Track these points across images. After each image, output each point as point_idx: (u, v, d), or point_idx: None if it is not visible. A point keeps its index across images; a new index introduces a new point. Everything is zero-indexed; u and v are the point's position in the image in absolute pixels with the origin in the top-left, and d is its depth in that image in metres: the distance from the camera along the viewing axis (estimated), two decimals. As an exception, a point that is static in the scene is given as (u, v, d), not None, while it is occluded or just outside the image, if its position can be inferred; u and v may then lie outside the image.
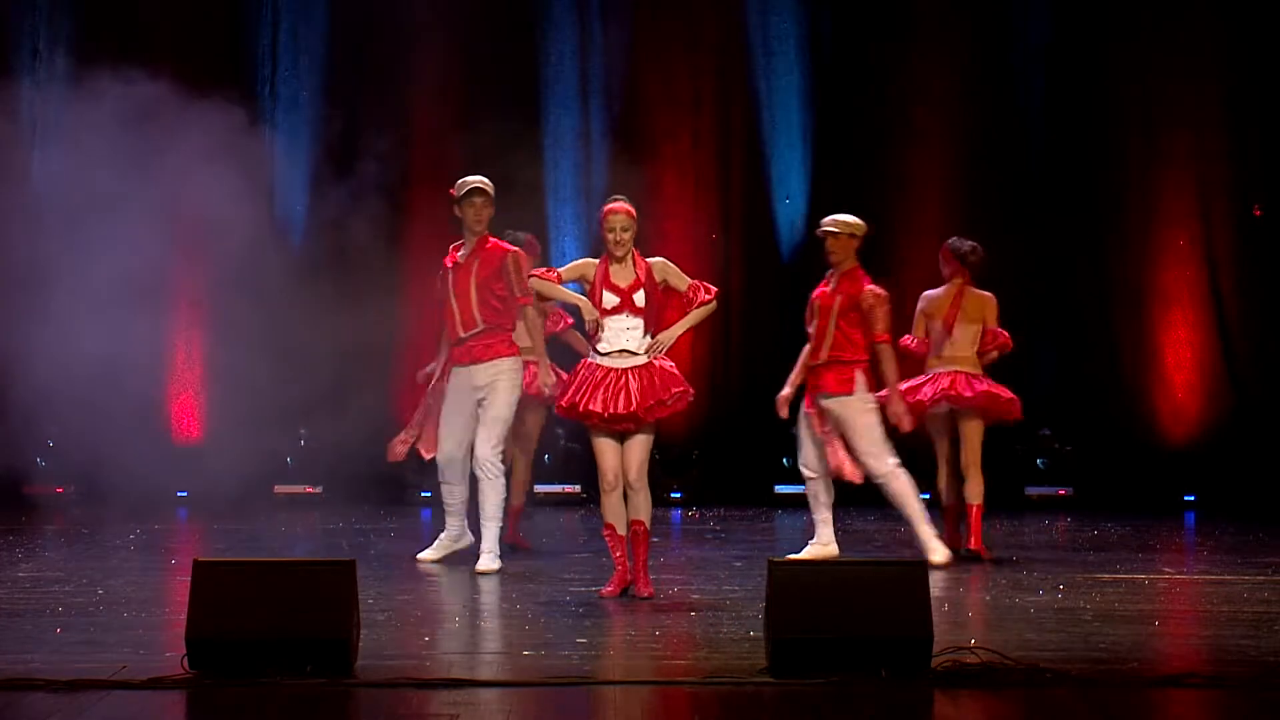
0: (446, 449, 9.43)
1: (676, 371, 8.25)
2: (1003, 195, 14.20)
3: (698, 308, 8.21)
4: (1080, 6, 14.39)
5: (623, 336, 8.15)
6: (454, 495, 9.57)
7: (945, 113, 14.30)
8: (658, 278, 8.21)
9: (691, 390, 8.24)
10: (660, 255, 8.39)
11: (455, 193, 9.35)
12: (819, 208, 14.33)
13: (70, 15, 13.76)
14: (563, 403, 8.22)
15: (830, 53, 14.46)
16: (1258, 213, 14.25)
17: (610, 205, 8.32)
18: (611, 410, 8.05)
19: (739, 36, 14.50)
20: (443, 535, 9.73)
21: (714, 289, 8.29)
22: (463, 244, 9.41)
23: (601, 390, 8.08)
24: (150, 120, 11.37)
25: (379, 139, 13.25)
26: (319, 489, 13.84)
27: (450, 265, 9.44)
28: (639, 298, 8.15)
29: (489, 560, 9.23)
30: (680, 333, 8.23)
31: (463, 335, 9.36)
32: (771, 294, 14.20)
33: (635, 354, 8.14)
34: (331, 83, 13.66)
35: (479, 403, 9.35)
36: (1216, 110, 14.25)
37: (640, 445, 8.19)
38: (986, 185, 14.18)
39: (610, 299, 8.15)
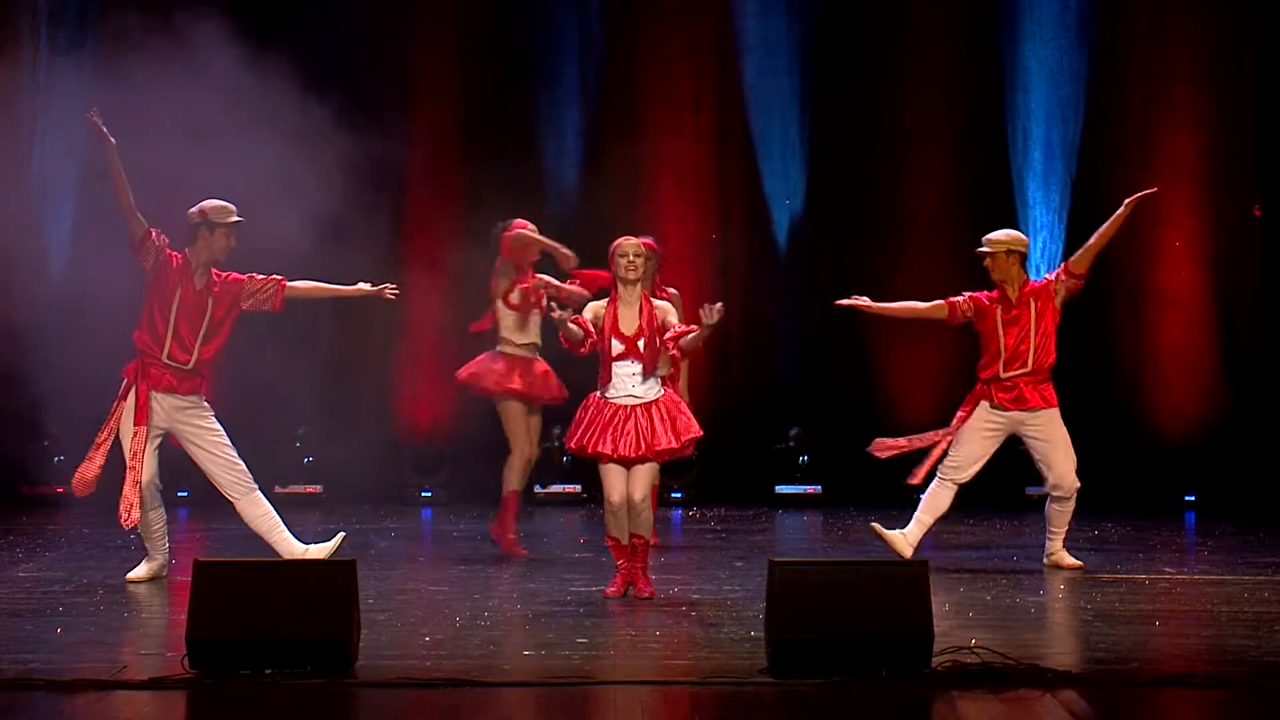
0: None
1: (686, 409, 8.44)
2: (1000, 196, 14.19)
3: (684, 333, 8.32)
4: (1079, 8, 14.37)
5: (628, 383, 8.31)
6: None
7: (942, 113, 14.28)
8: (659, 319, 8.36)
9: (700, 433, 8.41)
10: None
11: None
12: (818, 207, 14.34)
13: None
14: (571, 444, 8.37)
15: (827, 54, 14.45)
16: (1258, 213, 14.24)
17: (623, 238, 8.43)
18: (623, 454, 8.22)
19: (738, 37, 14.49)
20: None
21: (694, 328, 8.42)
22: None
23: (611, 429, 8.24)
24: (158, 115, 11.36)
25: (379, 138, 13.23)
26: (319, 489, 13.83)
27: None
28: (641, 345, 8.31)
29: None
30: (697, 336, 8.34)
31: None
32: (771, 293, 14.21)
33: (641, 397, 8.30)
34: (331, 77, 13.63)
35: None
36: (1216, 110, 14.23)
37: (647, 475, 8.35)
38: (983, 186, 14.16)
39: (616, 346, 8.32)
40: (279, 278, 8.98)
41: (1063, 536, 9.57)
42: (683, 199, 14.24)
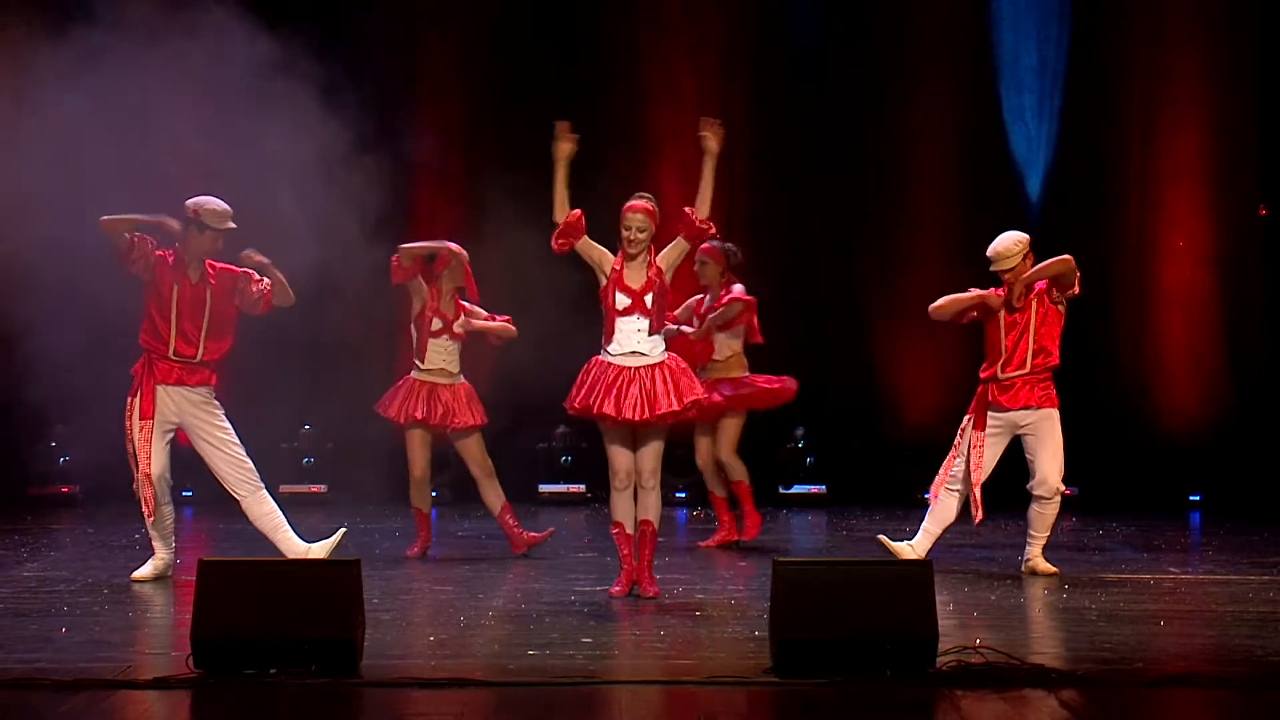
0: None
1: (690, 373, 8.33)
2: (1005, 196, 14.18)
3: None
4: (1085, 7, 14.37)
5: (633, 338, 8.21)
6: None
7: (943, 114, 14.28)
8: (664, 265, 8.30)
9: (703, 395, 8.32)
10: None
11: None
12: (823, 207, 14.33)
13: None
14: (575, 404, 8.21)
15: (831, 54, 14.45)
16: (1263, 212, 14.24)
17: (629, 203, 8.38)
18: (627, 416, 8.09)
19: (742, 37, 14.49)
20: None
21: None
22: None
23: (615, 391, 8.12)
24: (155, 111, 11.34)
25: (383, 135, 13.22)
26: (324, 488, 13.84)
27: None
28: (649, 299, 8.22)
29: None
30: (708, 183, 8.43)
31: None
32: (777, 293, 14.20)
33: (646, 355, 8.20)
34: (338, 76, 13.62)
35: None
36: (1218, 110, 14.22)
37: (654, 447, 8.27)
38: (989, 185, 14.15)
39: (622, 300, 8.22)
40: (268, 289, 8.98)
41: (1043, 542, 9.36)
42: (687, 200, 14.20)
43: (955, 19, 14.36)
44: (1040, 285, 9.40)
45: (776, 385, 10.71)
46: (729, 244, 10.72)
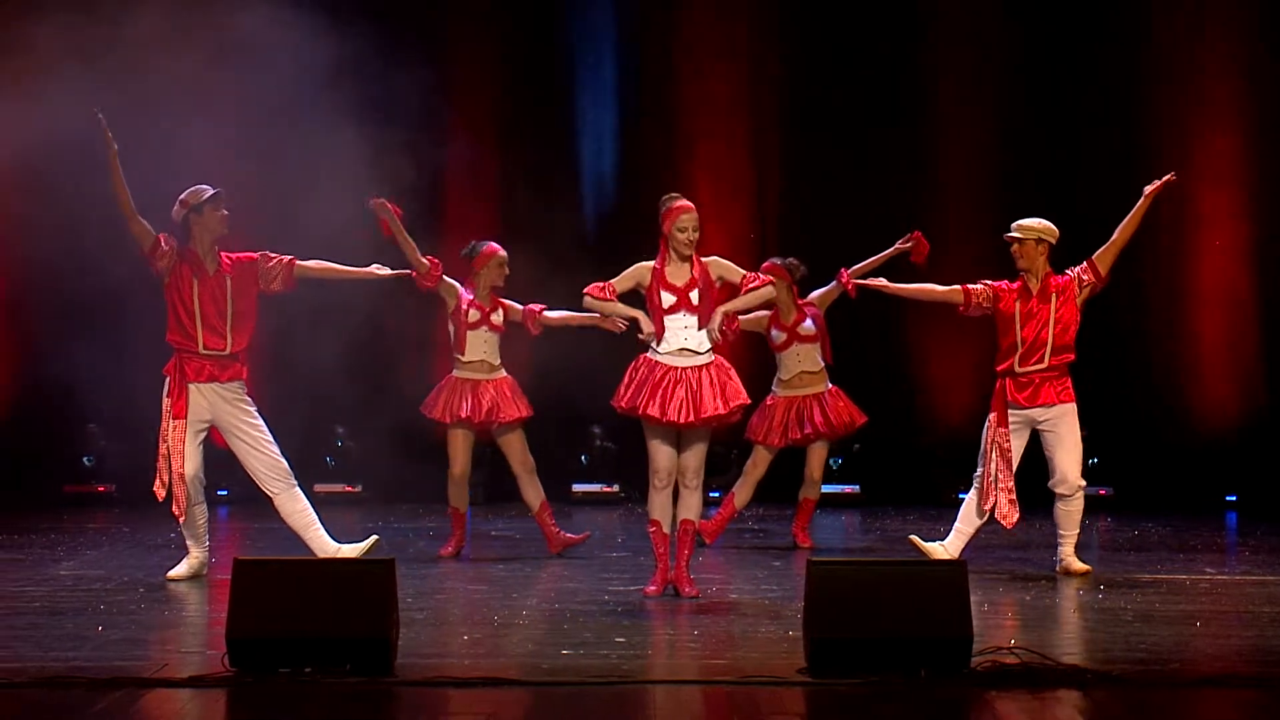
0: None
1: (735, 376, 8.26)
2: (1036, 197, 14.13)
3: (752, 287, 8.22)
4: (1117, 7, 14.32)
5: (680, 335, 8.19)
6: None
7: (979, 112, 14.25)
8: (713, 274, 8.26)
9: (748, 400, 8.27)
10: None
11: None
12: (851, 208, 14.30)
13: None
14: (623, 403, 8.20)
15: (855, 53, 14.43)
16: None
17: (678, 203, 8.30)
18: (671, 418, 8.07)
19: (773, 39, 14.48)
20: None
21: (769, 278, 8.33)
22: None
23: (660, 392, 8.10)
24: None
25: (416, 138, 13.24)
26: (358, 488, 13.87)
27: None
28: (695, 296, 8.18)
29: None
30: (733, 308, 8.26)
31: None
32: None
33: (696, 353, 8.18)
34: (370, 73, 13.67)
35: None
36: (1256, 109, 14.15)
37: (698, 447, 8.26)
38: (1021, 185, 14.10)
39: (668, 298, 8.19)
40: (290, 257, 9.00)
41: (1073, 540, 9.30)
42: (720, 200, 14.22)
43: (983, 21, 14.32)
44: (1059, 279, 9.35)
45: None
46: (790, 259, 10.69)
